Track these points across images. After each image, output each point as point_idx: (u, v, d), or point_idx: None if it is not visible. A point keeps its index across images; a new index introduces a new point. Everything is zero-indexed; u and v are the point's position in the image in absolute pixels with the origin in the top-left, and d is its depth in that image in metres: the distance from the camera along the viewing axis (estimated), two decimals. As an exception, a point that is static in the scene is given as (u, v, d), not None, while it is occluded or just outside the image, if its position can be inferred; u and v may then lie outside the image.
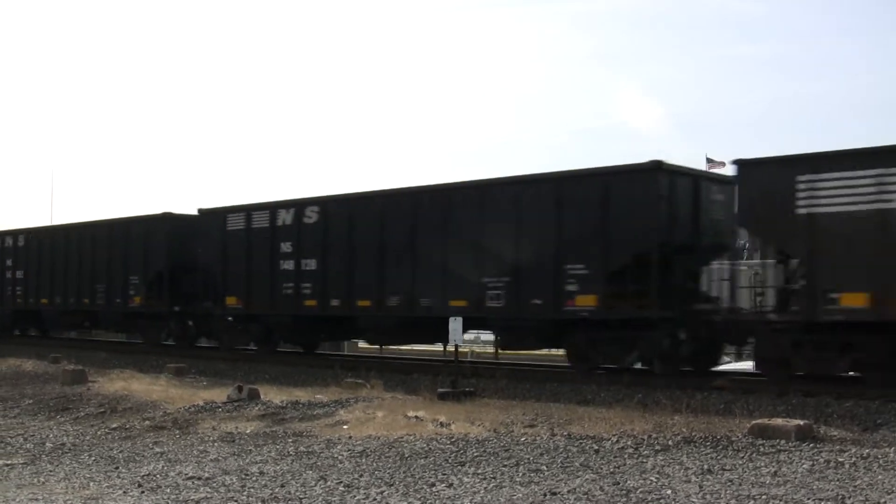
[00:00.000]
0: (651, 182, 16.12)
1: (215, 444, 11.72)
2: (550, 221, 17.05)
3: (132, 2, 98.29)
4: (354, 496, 8.46)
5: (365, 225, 20.21)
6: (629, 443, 10.39)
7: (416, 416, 12.55)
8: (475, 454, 10.19)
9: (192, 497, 8.62)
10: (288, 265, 21.61)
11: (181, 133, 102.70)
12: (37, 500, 8.74)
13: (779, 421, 10.76)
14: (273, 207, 22.27)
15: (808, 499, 7.58)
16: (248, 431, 12.44)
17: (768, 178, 15.02)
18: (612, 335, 16.56)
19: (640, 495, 7.97)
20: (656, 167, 16.12)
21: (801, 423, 10.63)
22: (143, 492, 9.01)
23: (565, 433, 11.16)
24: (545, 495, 8.13)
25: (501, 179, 18.47)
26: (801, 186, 14.45)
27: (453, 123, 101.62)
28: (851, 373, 14.80)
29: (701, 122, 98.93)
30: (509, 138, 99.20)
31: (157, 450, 11.53)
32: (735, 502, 7.61)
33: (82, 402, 15.84)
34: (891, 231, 13.67)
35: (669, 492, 8.04)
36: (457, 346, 16.09)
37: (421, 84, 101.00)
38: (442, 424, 11.99)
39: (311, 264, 21.16)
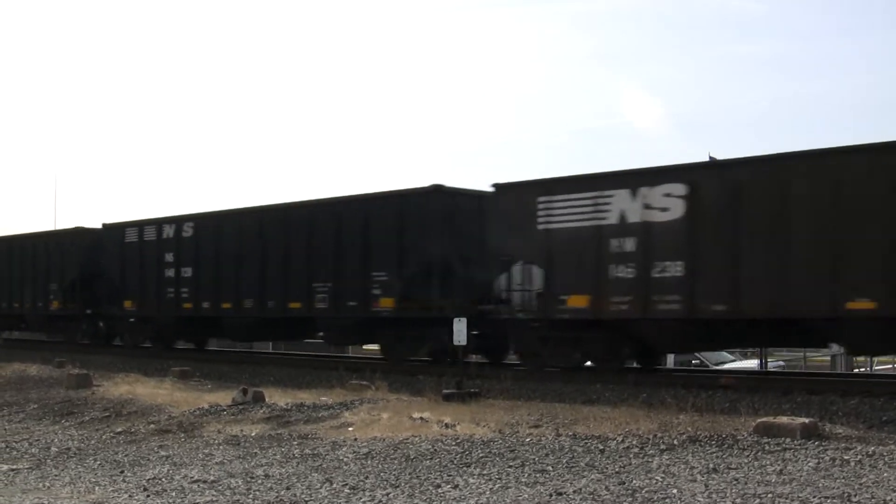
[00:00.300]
0: (432, 203, 19.13)
1: (220, 447, 11.73)
2: (360, 235, 20.25)
3: (134, 6, 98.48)
4: (360, 498, 8.46)
5: (227, 238, 23.57)
6: (634, 442, 10.38)
7: (422, 418, 12.55)
8: (480, 455, 10.19)
9: (197, 500, 8.63)
10: (170, 273, 25.07)
11: (183, 136, 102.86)
12: (42, 504, 8.76)
13: (784, 419, 10.75)
14: (159, 223, 25.86)
15: (814, 497, 7.56)
16: (253, 434, 12.45)
17: (518, 199, 17.83)
18: (409, 331, 19.70)
19: (646, 495, 7.96)
20: (436, 190, 19.19)
21: (807, 420, 10.61)
22: (148, 495, 9.01)
23: (570, 433, 11.15)
24: (551, 496, 8.13)
25: (325, 200, 21.79)
26: (541, 206, 17.37)
27: (453, 124, 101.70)
28: (588, 363, 17.61)
29: (701, 122, 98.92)
30: (509, 138, 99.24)
31: (163, 453, 11.54)
32: (741, 501, 7.60)
33: (87, 407, 15.86)
34: (604, 243, 16.54)
35: (675, 491, 8.03)
36: (461, 347, 16.13)
37: (420, 84, 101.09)
38: (447, 425, 11.98)
39: (187, 272, 24.61)
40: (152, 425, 13.69)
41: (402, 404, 13.97)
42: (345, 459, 10.39)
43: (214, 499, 8.68)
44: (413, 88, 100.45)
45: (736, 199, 15.33)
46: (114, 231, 27.29)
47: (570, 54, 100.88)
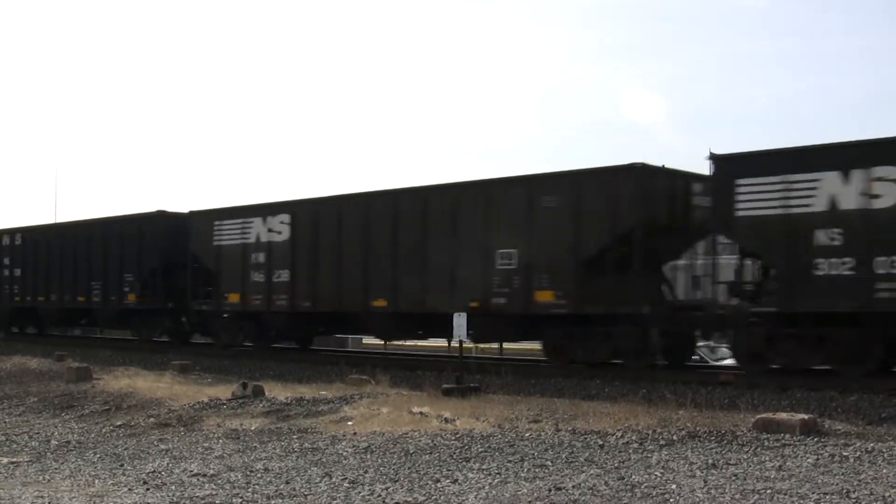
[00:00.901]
0: (158, 224, 25.99)
1: (220, 440, 11.74)
2: (117, 246, 26.83)
3: (135, 2, 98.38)
4: (359, 492, 8.47)
5: (42, 247, 29.94)
6: (634, 438, 10.40)
7: (421, 412, 12.56)
8: (480, 450, 10.20)
9: (197, 494, 8.64)
10: (7, 273, 31.49)
11: (184, 130, 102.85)
12: (42, 497, 8.76)
13: (783, 415, 10.75)
14: (0, 234, 32.17)
15: (813, 493, 7.58)
16: (252, 428, 12.46)
17: (203, 222, 24.27)
18: (148, 319, 26.57)
19: (645, 490, 7.97)
20: (160, 214, 26.20)
21: (806, 417, 10.62)
22: (148, 489, 9.03)
23: (570, 428, 11.16)
24: (550, 490, 8.14)
25: (95, 220, 28.64)
26: (215, 228, 23.79)
27: (457, 123, 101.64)
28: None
29: (703, 118, 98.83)
30: (513, 134, 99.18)
31: (162, 447, 11.55)
32: (740, 497, 7.61)
33: (87, 400, 15.88)
34: (248, 256, 22.94)
35: (674, 486, 8.04)
36: (461, 342, 16.15)
37: (423, 83, 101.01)
38: (446, 420, 12.00)
39: (18, 272, 31.07)
40: (152, 419, 13.70)
41: (401, 399, 13.99)
42: (344, 454, 10.40)
43: (214, 492, 8.69)
44: (415, 87, 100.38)
45: (317, 226, 21.47)
46: None
47: (573, 51, 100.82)
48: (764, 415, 10.82)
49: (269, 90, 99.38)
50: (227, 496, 8.51)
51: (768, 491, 7.71)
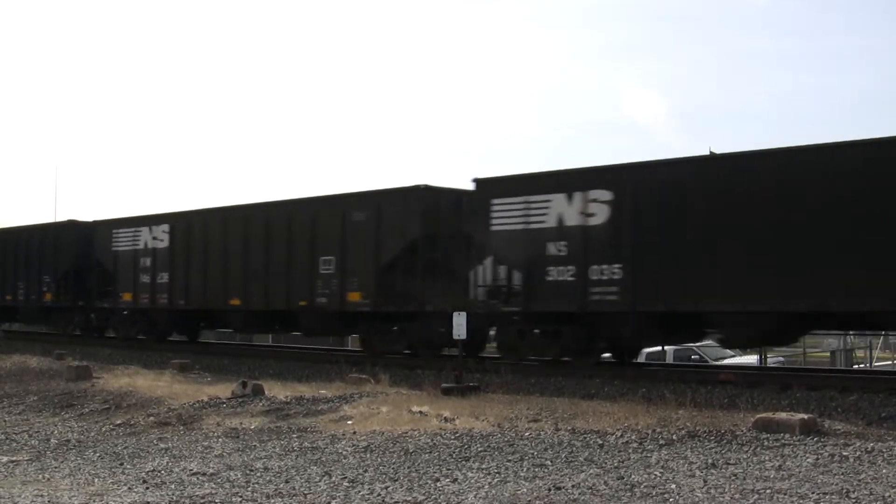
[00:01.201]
0: (70, 232, 29.24)
1: (220, 439, 11.74)
2: (37, 251, 30.11)
3: (136, 1, 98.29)
4: (359, 491, 8.47)
5: None
6: (633, 437, 10.39)
7: (421, 412, 12.55)
8: (479, 449, 10.20)
9: (196, 493, 8.64)
10: None
11: (184, 129, 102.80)
12: (42, 496, 8.76)
13: (783, 415, 10.74)
14: None
15: (813, 493, 7.57)
16: (252, 427, 12.45)
17: (104, 231, 27.61)
18: (63, 315, 29.71)
19: (645, 490, 7.97)
20: (71, 223, 29.56)
21: (806, 416, 10.61)
22: (147, 488, 9.03)
23: (570, 428, 11.15)
24: (550, 490, 8.14)
25: (18, 227, 32.26)
26: (113, 236, 27.14)
27: (457, 123, 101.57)
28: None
29: (703, 116, 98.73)
30: (514, 133, 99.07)
31: (162, 446, 11.55)
32: (739, 496, 7.61)
33: (87, 399, 15.87)
34: (137, 260, 26.00)
35: (674, 486, 8.04)
36: (461, 341, 16.16)
37: (425, 83, 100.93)
38: (446, 419, 11.99)
39: None
40: (152, 418, 13.70)
41: (401, 398, 13.98)
42: (344, 453, 10.40)
43: (213, 491, 8.69)
44: (415, 86, 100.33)
45: (189, 235, 24.65)
46: None
47: (573, 51, 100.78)
48: (763, 414, 10.81)
49: (270, 90, 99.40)
50: (227, 495, 8.51)
51: (768, 491, 7.71)
